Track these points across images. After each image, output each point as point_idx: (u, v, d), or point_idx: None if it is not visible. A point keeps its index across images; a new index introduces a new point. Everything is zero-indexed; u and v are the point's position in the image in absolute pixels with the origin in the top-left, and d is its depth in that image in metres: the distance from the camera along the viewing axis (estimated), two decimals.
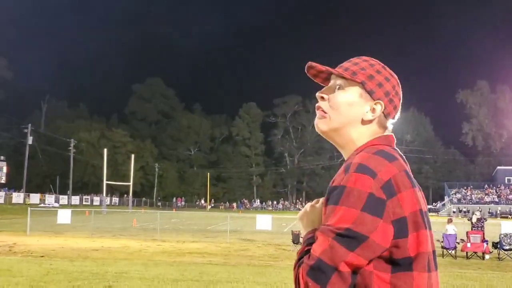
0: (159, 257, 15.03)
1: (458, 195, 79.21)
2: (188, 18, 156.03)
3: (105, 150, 60.84)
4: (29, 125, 66.72)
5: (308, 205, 1.54)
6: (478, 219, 19.40)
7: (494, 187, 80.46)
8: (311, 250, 1.30)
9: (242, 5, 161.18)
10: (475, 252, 16.76)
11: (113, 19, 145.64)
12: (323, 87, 1.56)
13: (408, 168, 1.41)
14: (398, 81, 1.55)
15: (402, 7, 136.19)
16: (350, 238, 1.25)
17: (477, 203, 72.86)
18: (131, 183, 64.89)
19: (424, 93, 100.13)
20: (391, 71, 1.54)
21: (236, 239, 22.19)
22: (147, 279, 9.63)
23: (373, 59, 1.56)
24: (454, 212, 69.55)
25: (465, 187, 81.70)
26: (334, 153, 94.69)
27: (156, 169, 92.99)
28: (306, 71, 1.57)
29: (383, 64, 1.55)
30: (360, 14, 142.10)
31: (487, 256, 16.63)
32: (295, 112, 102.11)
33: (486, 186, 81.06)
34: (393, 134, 1.53)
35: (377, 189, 1.28)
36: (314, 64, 1.55)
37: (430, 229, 1.39)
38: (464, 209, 68.96)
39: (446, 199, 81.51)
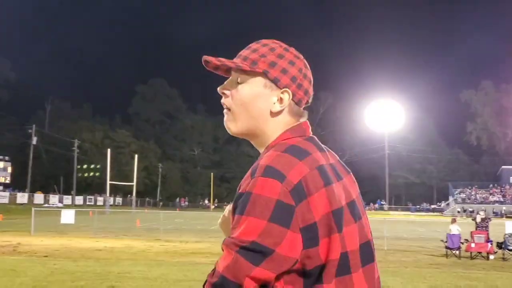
0: (162, 257, 15.03)
1: (463, 195, 79.13)
2: (191, 17, 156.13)
3: (109, 150, 60.96)
4: (33, 125, 66.96)
5: (226, 210, 1.47)
6: (483, 219, 19.32)
7: (499, 187, 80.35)
8: (215, 266, 1.22)
9: (247, 4, 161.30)
10: (480, 252, 16.68)
11: (117, 20, 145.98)
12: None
13: (325, 159, 1.30)
14: (305, 61, 1.42)
15: (406, 6, 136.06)
16: (255, 252, 1.14)
17: (481, 202, 72.78)
18: (134, 183, 64.98)
19: (428, 93, 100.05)
20: (296, 53, 1.40)
21: None
22: (150, 279, 9.63)
23: (274, 41, 1.41)
24: (458, 212, 69.45)
25: (470, 187, 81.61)
26: (337, 153, 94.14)
27: (160, 169, 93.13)
28: (204, 65, 1.43)
29: (285, 45, 1.40)
30: (366, 13, 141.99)
31: (491, 257, 16.56)
32: None
33: (490, 185, 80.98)
34: (307, 120, 1.40)
35: (285, 194, 1.16)
36: (208, 58, 1.39)
37: (357, 221, 1.28)
38: (470, 209, 68.83)
39: (451, 198, 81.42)
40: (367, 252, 1.29)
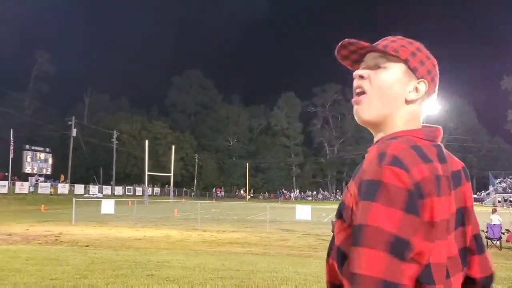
0: (199, 246, 15.19)
1: (503, 184, 77.21)
2: (227, 7, 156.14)
3: (146, 141, 61.78)
4: (73, 117, 68.28)
5: None
6: None
7: None
8: (355, 269, 1.13)
9: None
10: None
11: (152, 12, 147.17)
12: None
13: (443, 170, 1.25)
14: (436, 61, 1.46)
15: None
16: (400, 246, 1.11)
17: None
18: (171, 174, 65.79)
19: (468, 80, 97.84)
20: (428, 50, 1.45)
21: (276, 229, 22.22)
22: (188, 268, 9.74)
23: (408, 38, 1.46)
24: (499, 201, 67.89)
25: (510, 176, 79.53)
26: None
27: (196, 160, 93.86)
28: (337, 52, 1.46)
29: (420, 43, 1.46)
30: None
31: None
32: (335, 101, 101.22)
33: None
34: (440, 128, 1.41)
35: (411, 185, 1.15)
36: (352, 40, 1.42)
37: (459, 226, 1.30)
38: (511, 199, 67.17)
39: (491, 188, 79.54)
40: (464, 260, 1.32)
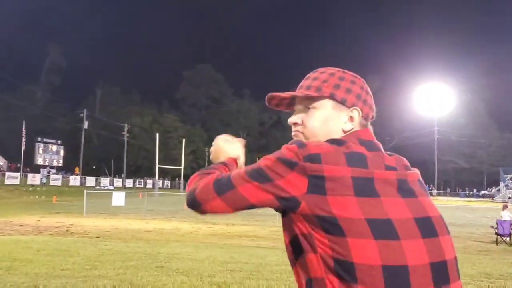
0: (209, 239, 15.24)
1: None
2: (239, 1, 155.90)
3: (157, 134, 61.96)
4: (85, 110, 68.62)
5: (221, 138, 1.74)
6: None
7: None
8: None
9: None
10: None
11: (164, 6, 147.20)
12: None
13: (370, 153, 1.33)
14: (362, 79, 1.50)
15: None
16: (259, 173, 1.31)
17: None
18: (182, 167, 65.92)
19: (479, 76, 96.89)
20: (352, 73, 1.50)
21: None
22: (198, 260, 9.78)
23: (329, 67, 1.50)
24: (509, 197, 67.46)
25: None
26: (385, 138, 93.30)
27: (206, 153, 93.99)
28: (267, 103, 1.55)
29: (342, 69, 1.50)
30: None
31: None
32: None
33: None
34: (368, 128, 1.47)
35: (298, 157, 1.28)
36: (274, 94, 1.51)
37: (409, 196, 1.31)
38: None
39: (501, 184, 79.06)
40: (428, 227, 1.28)
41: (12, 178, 46.30)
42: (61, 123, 78.61)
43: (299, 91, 1.48)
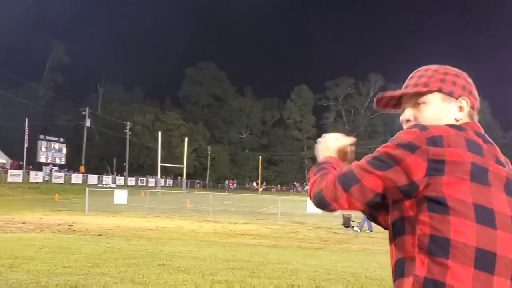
0: (211, 237, 15.25)
1: None
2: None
3: (160, 133, 61.97)
4: (87, 108, 68.66)
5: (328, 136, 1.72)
6: None
7: None
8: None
9: None
10: None
11: (166, 3, 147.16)
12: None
13: (485, 145, 1.40)
14: (465, 73, 1.60)
15: None
16: (380, 161, 1.38)
17: None
18: (184, 165, 65.95)
19: (483, 75, 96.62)
20: (455, 68, 1.59)
21: (287, 222, 22.24)
22: (199, 259, 9.79)
23: (431, 65, 1.61)
24: None
25: None
26: (387, 137, 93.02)
27: (209, 152, 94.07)
28: (375, 105, 1.64)
29: (443, 65, 1.59)
30: None
31: None
32: (348, 95, 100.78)
33: None
34: (476, 122, 1.55)
35: (420, 139, 1.35)
36: (385, 94, 1.60)
37: (510, 195, 1.36)
38: None
39: None
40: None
41: (15, 176, 46.31)
42: (63, 120, 78.59)
43: (407, 90, 1.56)
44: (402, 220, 1.41)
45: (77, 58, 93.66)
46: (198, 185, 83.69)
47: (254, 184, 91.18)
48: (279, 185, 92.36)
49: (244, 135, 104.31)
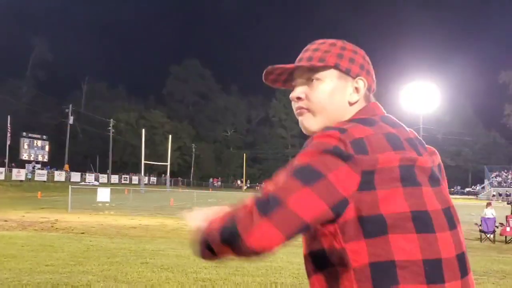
0: None
1: (499, 178, 77.55)
2: None
3: (143, 130, 61.70)
4: (70, 105, 68.12)
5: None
6: None
7: None
8: (264, 187, 1.20)
9: None
10: None
11: (150, 1, 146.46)
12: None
13: (400, 133, 1.26)
14: (363, 50, 1.42)
15: None
16: (306, 172, 1.14)
17: None
18: (168, 163, 65.76)
19: (465, 74, 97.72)
20: (352, 44, 1.42)
21: None
22: (183, 257, 9.77)
23: (327, 39, 1.42)
24: (493, 195, 68.16)
25: (506, 170, 79.82)
26: None
27: (193, 150, 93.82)
28: (264, 78, 1.44)
29: (341, 40, 1.42)
30: None
31: None
32: None
33: None
34: (376, 102, 1.40)
35: (344, 143, 1.16)
36: (277, 66, 1.40)
37: (437, 185, 1.25)
38: (506, 193, 67.47)
39: (486, 182, 79.84)
40: (450, 218, 1.24)
41: None
42: (46, 118, 77.89)
43: (301, 63, 1.38)
44: (325, 252, 1.20)
45: (60, 55, 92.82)
46: (182, 183, 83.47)
47: (239, 182, 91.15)
48: (263, 183, 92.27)
49: (229, 133, 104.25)
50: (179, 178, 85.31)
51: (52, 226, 16.34)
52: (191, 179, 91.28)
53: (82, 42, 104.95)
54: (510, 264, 11.18)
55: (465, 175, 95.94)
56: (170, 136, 69.85)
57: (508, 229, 16.36)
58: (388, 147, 1.19)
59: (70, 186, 25.07)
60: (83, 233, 14.53)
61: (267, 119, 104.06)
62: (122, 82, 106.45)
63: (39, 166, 58.93)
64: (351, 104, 1.35)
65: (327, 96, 1.34)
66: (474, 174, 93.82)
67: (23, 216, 19.78)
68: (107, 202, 25.24)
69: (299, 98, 1.39)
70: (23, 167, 53.44)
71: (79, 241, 12.07)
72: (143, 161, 59.11)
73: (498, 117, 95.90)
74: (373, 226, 1.14)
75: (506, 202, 24.74)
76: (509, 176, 77.60)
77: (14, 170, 49.32)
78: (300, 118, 1.40)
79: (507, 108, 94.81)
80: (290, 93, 1.42)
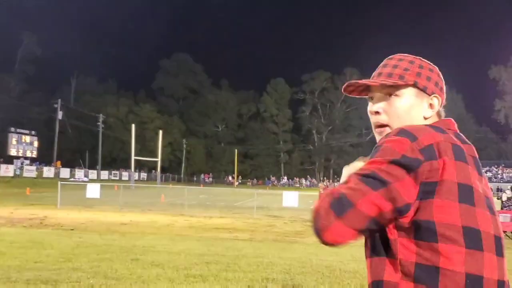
0: (186, 232, 15.18)
1: (489, 174, 78.08)
2: None
3: (133, 125, 61.43)
4: (59, 100, 67.69)
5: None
6: (509, 198, 19.05)
7: None
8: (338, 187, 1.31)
9: None
10: (505, 232, 16.47)
11: None
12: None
13: (467, 150, 1.37)
14: (437, 67, 1.54)
15: None
16: (374, 179, 1.25)
17: (508, 181, 71.71)
18: (159, 159, 65.60)
19: (456, 69, 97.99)
20: (428, 61, 1.53)
21: (263, 215, 22.27)
22: (174, 253, 9.74)
23: (406, 55, 1.54)
24: None
25: (497, 166, 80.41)
26: (362, 131, 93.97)
27: (184, 145, 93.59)
28: (343, 89, 1.54)
29: (418, 57, 1.53)
30: None
31: None
32: (324, 89, 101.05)
33: None
34: (451, 118, 1.50)
35: (413, 151, 1.27)
36: (359, 82, 1.50)
37: (492, 213, 1.34)
38: (497, 188, 67.91)
39: None
40: (499, 246, 1.32)
41: None
42: (35, 113, 77.29)
43: (380, 79, 1.48)
44: (381, 241, 1.33)
45: (49, 50, 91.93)
46: (173, 179, 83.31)
47: (230, 178, 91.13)
48: (255, 179, 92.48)
49: (220, 128, 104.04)
50: (170, 174, 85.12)
51: (41, 223, 16.24)
52: (182, 175, 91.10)
53: (71, 37, 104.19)
54: None
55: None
56: (160, 131, 69.59)
57: None
58: (452, 156, 1.31)
59: (59, 182, 24.89)
60: (72, 229, 14.44)
61: (258, 114, 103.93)
62: (112, 76, 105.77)
63: (27, 162, 58.58)
64: (425, 118, 1.46)
65: (405, 112, 1.45)
66: None
67: (12, 212, 19.64)
68: (97, 198, 25.09)
69: (377, 113, 1.49)
70: (12, 163, 53.09)
71: (69, 237, 12.00)
72: (133, 157, 58.93)
73: (489, 112, 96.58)
74: (424, 231, 1.27)
75: (496, 197, 24.88)
76: (500, 172, 78.17)
77: (3, 166, 49.02)
78: (377, 135, 1.49)
79: (498, 104, 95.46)
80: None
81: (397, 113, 1.44)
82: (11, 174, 48.41)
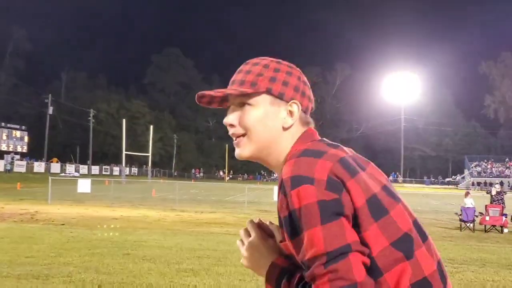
0: (177, 226, 15.19)
1: (478, 168, 78.61)
2: None
3: (124, 120, 61.21)
4: (49, 95, 67.32)
5: (244, 246, 1.37)
6: (498, 192, 19.21)
7: None
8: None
9: None
10: (494, 226, 16.63)
11: None
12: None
13: (344, 152, 1.26)
14: (299, 69, 1.40)
15: None
16: (338, 256, 1.10)
17: (497, 176, 72.29)
18: (150, 154, 65.42)
19: (446, 65, 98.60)
20: (287, 63, 1.38)
21: (254, 210, 22.30)
22: (165, 248, 9.76)
23: (263, 58, 1.38)
24: (473, 185, 69.09)
25: (486, 160, 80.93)
26: (353, 125, 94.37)
27: (175, 140, 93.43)
28: (197, 101, 1.39)
29: (276, 59, 1.39)
30: None
31: (505, 230, 16.51)
32: (314, 84, 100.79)
33: (507, 159, 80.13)
34: (312, 125, 1.39)
35: (322, 193, 1.13)
36: (205, 93, 1.35)
37: (399, 202, 1.24)
38: (486, 183, 68.39)
39: (466, 172, 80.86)
40: (419, 230, 1.24)
41: None
42: (25, 108, 76.86)
43: (232, 88, 1.34)
44: None
45: (39, 45, 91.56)
46: (164, 174, 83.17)
47: (221, 172, 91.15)
48: (245, 174, 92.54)
49: (211, 124, 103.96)
50: (161, 169, 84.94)
51: (32, 218, 16.18)
52: (173, 170, 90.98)
53: (61, 31, 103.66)
54: (489, 252, 11.36)
55: (446, 165, 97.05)
56: (151, 126, 69.43)
57: (487, 218, 16.59)
58: (348, 177, 1.18)
59: (50, 177, 24.81)
60: (63, 224, 14.41)
61: None
62: (102, 71, 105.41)
63: (18, 157, 58.28)
64: (285, 129, 1.32)
65: (259, 122, 1.30)
66: (454, 164, 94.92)
67: (2, 207, 19.55)
68: (87, 193, 25.02)
69: (231, 125, 1.35)
70: (2, 158, 52.81)
71: (60, 232, 11.97)
72: (124, 152, 58.72)
73: (478, 107, 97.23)
74: (372, 272, 1.14)
75: (485, 192, 25.06)
76: (489, 166, 78.69)
77: None
78: (236, 149, 1.36)
79: (487, 99, 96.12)
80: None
81: (251, 124, 1.30)
82: (1, 169, 48.18)
